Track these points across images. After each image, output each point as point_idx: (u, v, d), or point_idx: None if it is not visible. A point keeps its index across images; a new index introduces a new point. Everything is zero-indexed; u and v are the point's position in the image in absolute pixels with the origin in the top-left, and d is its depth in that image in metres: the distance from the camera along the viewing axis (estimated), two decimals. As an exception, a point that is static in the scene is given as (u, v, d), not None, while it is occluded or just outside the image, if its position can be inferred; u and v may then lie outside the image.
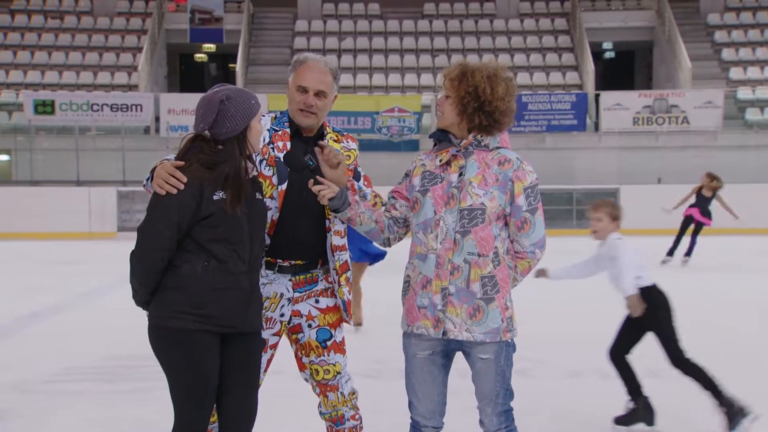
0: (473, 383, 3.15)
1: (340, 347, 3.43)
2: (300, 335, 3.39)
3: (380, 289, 10.21)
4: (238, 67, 24.63)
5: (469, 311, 3.01)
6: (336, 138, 3.47)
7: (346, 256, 3.43)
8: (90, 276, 12.08)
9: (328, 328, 3.40)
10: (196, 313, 2.91)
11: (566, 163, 21.73)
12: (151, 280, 2.95)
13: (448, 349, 3.12)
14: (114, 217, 19.20)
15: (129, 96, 22.66)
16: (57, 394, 5.47)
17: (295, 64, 3.36)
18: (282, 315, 3.33)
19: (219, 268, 2.93)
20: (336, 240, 3.37)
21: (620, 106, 22.39)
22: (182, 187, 2.88)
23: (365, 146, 22.39)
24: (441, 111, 3.11)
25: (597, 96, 22.98)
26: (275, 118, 3.42)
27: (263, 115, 3.41)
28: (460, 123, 3.07)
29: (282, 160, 3.27)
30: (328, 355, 3.39)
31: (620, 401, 5.13)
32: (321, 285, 3.40)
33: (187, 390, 2.95)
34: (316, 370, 3.40)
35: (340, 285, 3.40)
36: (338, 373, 3.42)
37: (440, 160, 3.09)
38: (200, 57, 29.74)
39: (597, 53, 27.07)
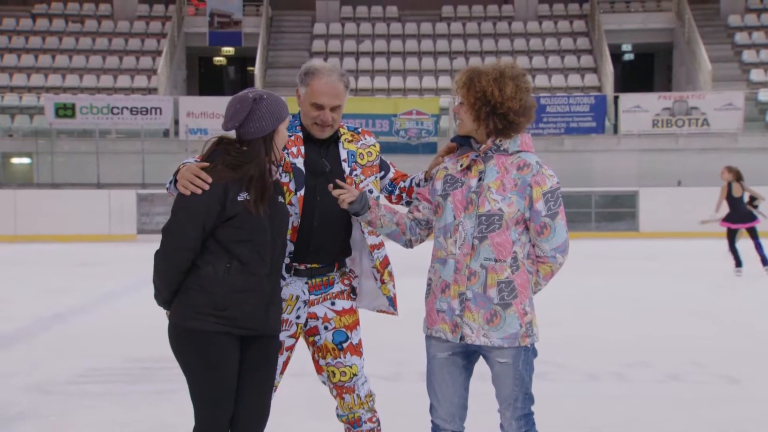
0: (493, 386, 3.15)
1: (356, 349, 3.45)
2: (317, 338, 3.40)
3: (400, 290, 10.21)
4: (257, 70, 24.74)
5: (486, 316, 3.01)
6: (351, 137, 3.45)
7: (384, 252, 3.44)
8: (110, 278, 12.17)
9: (344, 330, 3.42)
10: (217, 314, 2.92)
11: (585, 165, 21.65)
12: (174, 280, 2.97)
13: (468, 351, 3.13)
14: (134, 219, 19.33)
15: (148, 99, 22.82)
16: (78, 395, 5.52)
17: (305, 75, 3.32)
18: (298, 317, 3.35)
19: (241, 269, 2.94)
20: (371, 239, 3.38)
21: (639, 109, 22.28)
22: (207, 187, 2.90)
23: (383, 149, 22.19)
24: (459, 118, 3.11)
25: (616, 98, 22.88)
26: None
27: None
28: (478, 129, 3.07)
29: (297, 166, 3.28)
30: (345, 357, 3.41)
31: (638, 405, 5.12)
32: (337, 287, 3.42)
33: (206, 391, 2.97)
34: (333, 372, 3.41)
35: (384, 282, 3.43)
36: (354, 375, 3.43)
37: (461, 165, 3.10)
38: (219, 60, 29.89)
39: (616, 55, 26.96)
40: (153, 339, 7.09)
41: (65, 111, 22.02)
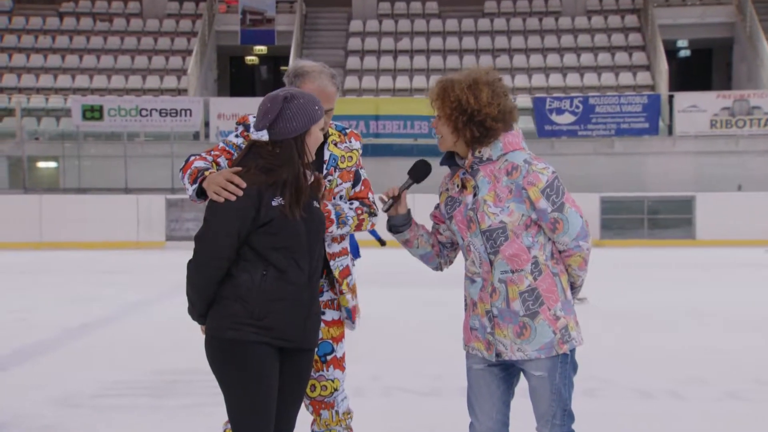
0: (531, 401, 3.14)
1: (340, 363, 3.44)
2: None
3: (438, 299, 10.23)
4: (290, 69, 24.88)
5: (516, 330, 3.02)
6: (338, 138, 3.45)
7: (346, 261, 3.44)
8: (138, 287, 12.32)
9: (330, 341, 3.41)
10: (256, 324, 2.92)
11: (637, 169, 21.45)
12: (209, 291, 2.98)
13: (506, 364, 3.13)
14: (162, 225, 19.57)
15: (178, 101, 23.09)
16: (105, 409, 5.59)
17: (295, 78, 3.32)
18: None
19: (278, 277, 2.94)
20: (333, 247, 3.38)
21: (696, 108, 22.02)
22: (241, 193, 2.91)
23: (421, 152, 22.43)
24: (438, 133, 3.11)
25: (671, 97, 22.65)
26: None
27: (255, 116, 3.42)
28: (458, 140, 3.07)
29: None
30: (327, 371, 3.40)
31: (694, 426, 5.05)
32: (326, 296, 3.41)
33: (246, 406, 2.95)
34: (313, 386, 3.40)
35: (342, 293, 3.41)
36: (336, 390, 3.42)
37: (457, 186, 3.13)
38: (251, 59, 30.15)
39: (671, 52, 26.67)
40: (182, 351, 7.19)
41: (92, 113, 22.36)
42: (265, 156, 2.99)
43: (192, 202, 3.12)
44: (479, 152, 3.05)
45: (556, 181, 3.02)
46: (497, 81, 3.09)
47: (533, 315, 3.02)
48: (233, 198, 2.92)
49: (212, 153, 3.33)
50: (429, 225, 3.35)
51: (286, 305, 2.95)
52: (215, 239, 2.93)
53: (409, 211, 3.23)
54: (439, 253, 3.28)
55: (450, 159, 3.16)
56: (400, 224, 3.22)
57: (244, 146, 3.14)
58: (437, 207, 3.25)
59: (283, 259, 2.94)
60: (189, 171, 3.21)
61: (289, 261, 2.95)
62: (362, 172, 3.54)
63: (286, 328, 2.96)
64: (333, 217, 3.32)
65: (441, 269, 3.36)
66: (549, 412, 3.08)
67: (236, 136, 3.40)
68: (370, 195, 3.54)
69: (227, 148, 3.34)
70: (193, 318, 3.08)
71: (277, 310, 2.94)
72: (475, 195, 3.05)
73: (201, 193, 3.11)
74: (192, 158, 3.27)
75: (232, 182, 2.94)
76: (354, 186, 3.48)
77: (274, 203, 2.93)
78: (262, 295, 2.93)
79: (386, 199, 3.18)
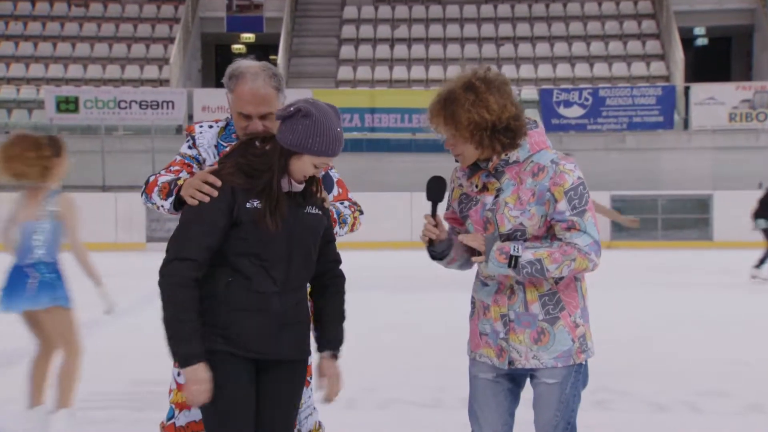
0: (533, 410, 3.16)
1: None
2: None
3: (435, 307, 10.23)
4: (280, 59, 24.91)
5: (533, 336, 3.03)
6: None
7: None
8: (117, 292, 12.25)
9: None
10: (220, 333, 2.97)
11: (650, 165, 21.47)
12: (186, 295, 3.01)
13: (515, 374, 3.15)
14: (143, 226, 19.55)
15: (160, 92, 23.07)
16: (84, 422, 5.59)
17: (230, 80, 3.28)
18: None
19: (243, 285, 2.97)
20: None
21: (714, 101, 22.05)
22: (215, 193, 2.95)
23: (419, 147, 22.46)
24: (457, 153, 3.07)
25: (687, 89, 22.67)
26: (223, 129, 3.39)
27: (203, 124, 3.41)
28: (483, 153, 3.05)
29: None
30: None
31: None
32: None
33: (212, 417, 3.00)
34: None
35: None
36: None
37: (476, 186, 3.12)
38: (238, 48, 30.14)
39: (687, 40, 26.70)
40: (163, 360, 7.16)
41: (67, 105, 22.35)
42: (248, 156, 3.03)
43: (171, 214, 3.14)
44: (506, 155, 3.05)
45: (581, 187, 3.03)
46: (489, 76, 3.05)
47: (553, 320, 3.04)
48: (207, 199, 2.95)
49: (171, 169, 3.33)
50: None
51: (251, 315, 2.98)
52: (187, 239, 2.97)
53: (449, 238, 3.15)
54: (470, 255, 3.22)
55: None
56: (444, 249, 3.14)
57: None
58: (449, 207, 3.23)
59: (251, 265, 2.97)
60: (157, 188, 3.23)
61: (257, 268, 2.97)
62: (334, 173, 3.52)
63: (251, 339, 2.98)
64: (335, 216, 3.32)
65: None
66: (552, 422, 3.09)
67: (189, 147, 3.39)
68: (350, 195, 3.54)
69: (186, 161, 3.35)
70: None
71: (242, 320, 2.97)
72: (497, 197, 3.05)
73: (179, 204, 3.11)
74: (153, 177, 3.31)
75: (206, 182, 2.97)
76: (329, 191, 3.45)
77: (248, 206, 2.96)
78: (225, 305, 2.97)
79: (429, 232, 3.08)
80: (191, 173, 3.30)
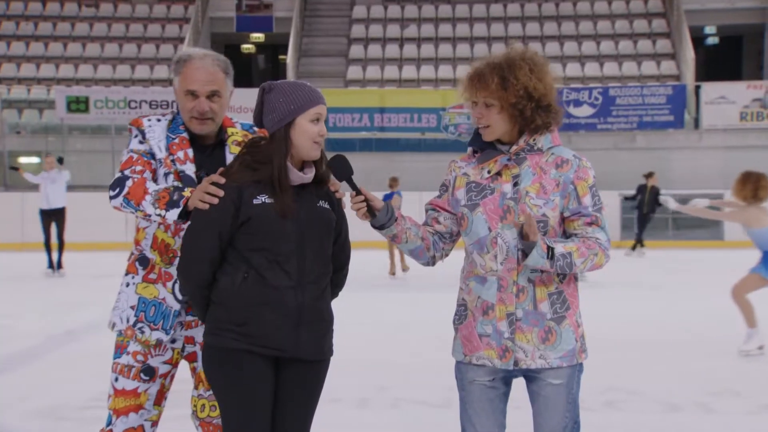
0: (535, 417, 3.11)
1: None
2: (196, 364, 3.35)
3: (447, 306, 10.19)
4: (289, 58, 24.93)
5: (541, 335, 3.01)
6: (243, 138, 3.34)
7: None
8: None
9: None
10: (237, 330, 2.97)
11: (661, 165, 21.40)
12: (197, 295, 3.05)
13: (510, 376, 3.12)
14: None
15: (170, 92, 23.09)
16: (92, 421, 5.58)
17: (177, 64, 3.28)
18: (174, 341, 3.31)
19: (259, 280, 2.97)
20: None
21: (725, 100, 21.99)
22: (222, 193, 2.96)
23: (429, 146, 22.46)
24: (485, 123, 3.03)
25: (697, 88, 22.62)
26: (170, 122, 3.33)
27: (151, 118, 3.33)
28: (512, 129, 3.04)
29: (186, 173, 3.21)
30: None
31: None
32: None
33: (230, 414, 3.00)
34: (203, 406, 3.35)
35: None
36: None
37: (489, 171, 3.06)
38: (247, 48, 30.18)
39: (698, 39, 26.63)
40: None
41: (78, 105, 22.40)
42: (252, 151, 3.05)
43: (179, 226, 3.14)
44: (533, 140, 3.04)
45: (595, 186, 3.08)
46: (547, 63, 3.10)
47: (560, 319, 3.02)
48: (215, 201, 2.97)
49: (137, 170, 3.20)
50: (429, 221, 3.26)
51: (268, 311, 2.97)
52: (196, 242, 3.01)
53: (387, 204, 3.10)
54: (432, 245, 3.16)
55: (484, 143, 3.09)
56: (384, 220, 3.07)
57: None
58: (441, 195, 3.18)
59: (264, 261, 2.97)
60: (150, 196, 3.09)
61: (270, 263, 2.97)
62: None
63: (271, 335, 2.97)
64: None
65: (433, 263, 3.24)
66: (561, 423, 3.07)
67: (140, 142, 3.28)
68: None
69: (144, 158, 3.24)
70: (201, 320, 3.16)
71: (258, 316, 2.96)
72: (516, 185, 3.02)
73: (185, 214, 3.06)
74: (127, 182, 3.15)
75: (212, 183, 2.99)
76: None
77: (255, 201, 2.97)
78: (242, 300, 2.97)
79: (357, 206, 3.03)
80: (153, 171, 3.22)
